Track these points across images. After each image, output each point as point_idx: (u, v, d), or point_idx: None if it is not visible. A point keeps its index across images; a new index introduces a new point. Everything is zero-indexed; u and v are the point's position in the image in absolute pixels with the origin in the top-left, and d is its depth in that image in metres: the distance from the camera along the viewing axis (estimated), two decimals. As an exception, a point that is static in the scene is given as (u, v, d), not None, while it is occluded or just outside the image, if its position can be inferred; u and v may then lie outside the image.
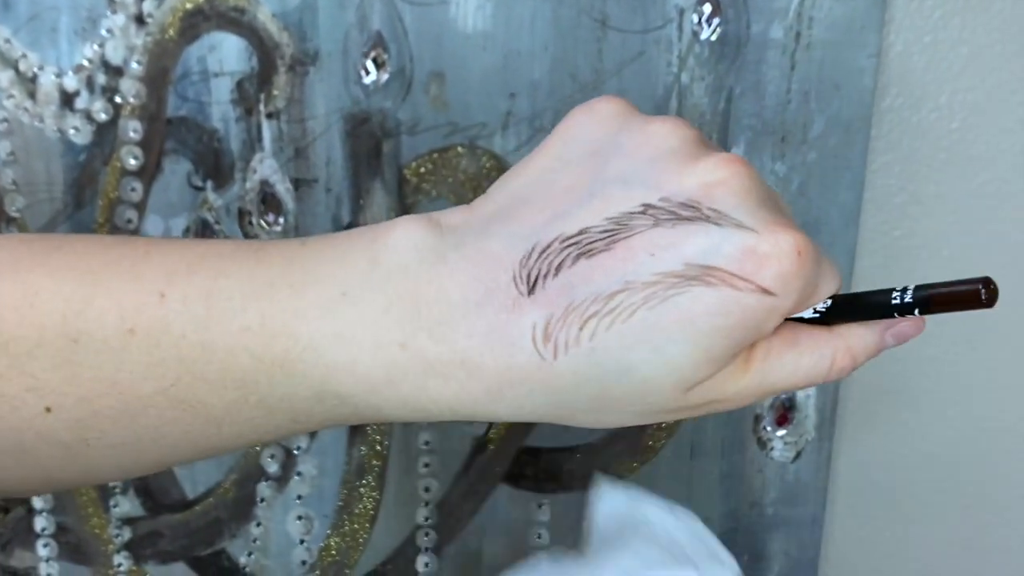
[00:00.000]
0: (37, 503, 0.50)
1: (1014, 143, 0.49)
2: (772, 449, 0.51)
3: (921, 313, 0.26)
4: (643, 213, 0.25)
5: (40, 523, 0.51)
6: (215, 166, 0.47)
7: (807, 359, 0.27)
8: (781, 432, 0.51)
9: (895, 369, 0.52)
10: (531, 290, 0.25)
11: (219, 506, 0.51)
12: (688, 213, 0.25)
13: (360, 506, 0.52)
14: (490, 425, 0.50)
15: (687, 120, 0.28)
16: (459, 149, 0.47)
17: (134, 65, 0.45)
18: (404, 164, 0.47)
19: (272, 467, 0.51)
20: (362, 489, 0.51)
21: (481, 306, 0.26)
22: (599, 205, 0.26)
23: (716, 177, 0.25)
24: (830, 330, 0.27)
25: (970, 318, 0.51)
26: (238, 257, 0.27)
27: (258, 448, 0.50)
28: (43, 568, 0.52)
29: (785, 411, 0.50)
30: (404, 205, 0.48)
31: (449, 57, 0.46)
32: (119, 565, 0.52)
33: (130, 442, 0.28)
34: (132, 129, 0.46)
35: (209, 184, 0.47)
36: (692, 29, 0.45)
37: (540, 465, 0.51)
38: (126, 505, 0.51)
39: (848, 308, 0.27)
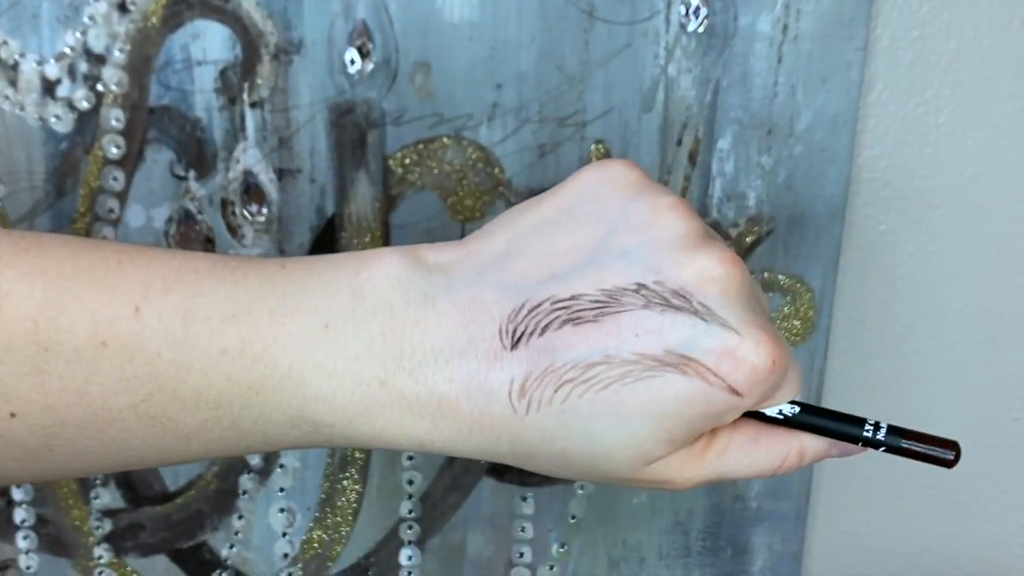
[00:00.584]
0: (17, 495, 0.51)
1: (1001, 138, 0.50)
2: None
3: (885, 452, 0.29)
4: (636, 292, 0.27)
5: (20, 515, 0.51)
6: (198, 155, 0.47)
7: (760, 457, 0.29)
8: (766, 426, 0.52)
9: (880, 364, 0.53)
10: (515, 345, 0.27)
11: (201, 498, 0.52)
12: (678, 302, 0.27)
13: (343, 499, 0.52)
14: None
15: (693, 208, 0.29)
16: (445, 140, 0.47)
17: (116, 53, 0.46)
18: (389, 155, 0.48)
19: (254, 459, 0.51)
20: (345, 482, 0.52)
21: (464, 354, 0.27)
22: (595, 275, 0.27)
23: (712, 274, 0.27)
24: (789, 432, 0.30)
25: (961, 313, 0.52)
26: (215, 275, 0.28)
27: None
28: (23, 560, 0.52)
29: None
30: (389, 196, 0.48)
31: (435, 47, 0.46)
32: (99, 557, 0.52)
33: (95, 450, 0.28)
34: (114, 118, 0.46)
35: (192, 173, 0.48)
36: (679, 21, 0.46)
37: None
38: (107, 497, 0.51)
39: (813, 423, 0.29)
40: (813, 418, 0.29)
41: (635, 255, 0.27)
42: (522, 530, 0.53)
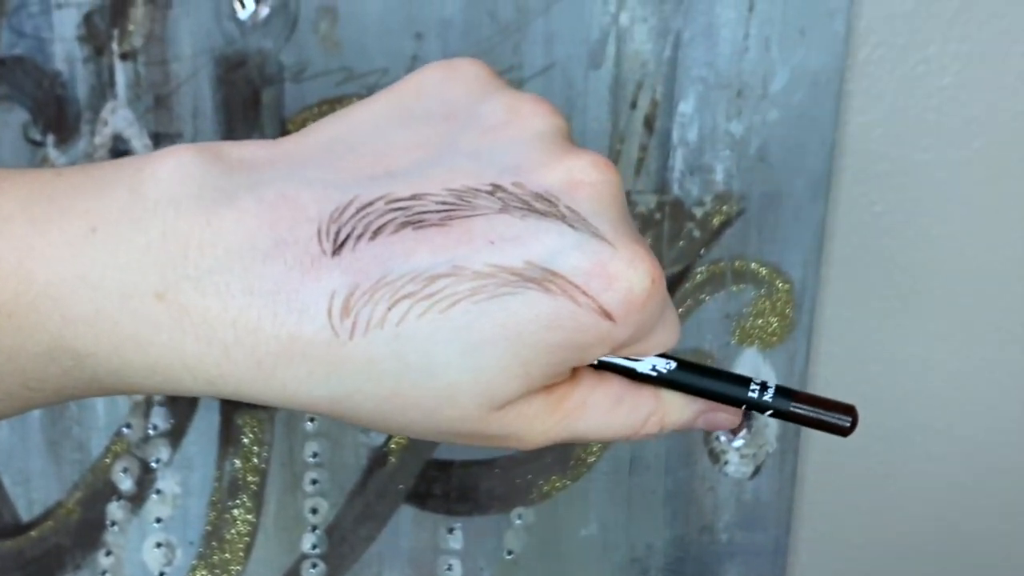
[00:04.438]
0: None
1: (1017, 103, 0.51)
2: (727, 463, 0.53)
3: (772, 417, 0.30)
4: (490, 194, 0.27)
5: None
6: (57, 117, 0.48)
7: (619, 418, 0.30)
8: (737, 442, 0.53)
9: (874, 371, 0.54)
10: (337, 250, 0.26)
11: (60, 531, 0.52)
12: (542, 206, 0.27)
13: (232, 531, 0.53)
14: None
15: (557, 108, 0.29)
16: (355, 100, 0.48)
17: None
18: (288, 118, 0.48)
19: (125, 483, 0.52)
20: (235, 511, 0.53)
21: (270, 259, 0.26)
22: (441, 174, 0.27)
23: (584, 177, 0.27)
24: (655, 394, 0.30)
25: (972, 310, 0.53)
26: None
27: (108, 460, 0.52)
28: None
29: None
30: (287, 167, 0.49)
31: (343, -11, 0.47)
32: (-64, 602, 0.53)
33: None
34: None
35: (50, 138, 0.48)
36: (634, -39, 0.47)
37: (451, 482, 0.53)
38: (-55, 528, 0.52)
39: (691, 380, 0.30)
40: (691, 376, 0.30)
41: (489, 155, 0.28)
42: (448, 568, 0.54)
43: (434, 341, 0.26)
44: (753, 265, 0.51)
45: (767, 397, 0.30)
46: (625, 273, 0.27)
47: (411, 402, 0.27)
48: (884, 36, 0.50)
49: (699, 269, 0.51)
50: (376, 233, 0.26)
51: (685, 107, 0.49)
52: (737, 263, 0.51)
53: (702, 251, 0.51)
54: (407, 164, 0.28)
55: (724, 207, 0.50)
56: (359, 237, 0.26)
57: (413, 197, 0.27)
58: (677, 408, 0.30)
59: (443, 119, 0.29)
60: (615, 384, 0.30)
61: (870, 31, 0.50)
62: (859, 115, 0.51)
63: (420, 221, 0.26)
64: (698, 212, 0.50)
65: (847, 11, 0.48)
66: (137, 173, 0.27)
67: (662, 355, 0.29)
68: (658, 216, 0.50)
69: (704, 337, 0.52)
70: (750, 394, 0.30)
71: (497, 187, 0.27)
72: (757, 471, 0.54)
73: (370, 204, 0.26)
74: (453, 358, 0.27)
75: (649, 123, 0.49)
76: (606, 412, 0.30)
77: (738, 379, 0.30)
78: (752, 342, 0.52)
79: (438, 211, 0.27)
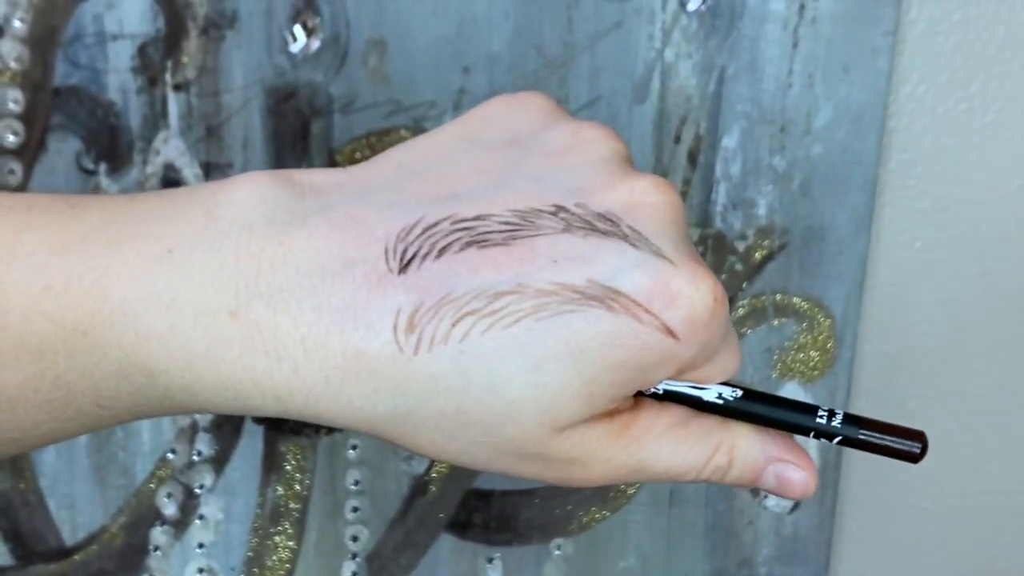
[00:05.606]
0: None
1: (1058, 141, 0.51)
2: (766, 497, 0.54)
3: (840, 444, 0.30)
4: (553, 215, 0.28)
5: None
6: (110, 145, 0.49)
7: (687, 446, 0.30)
8: (777, 477, 0.53)
9: (914, 406, 0.54)
10: (403, 268, 0.27)
11: (103, 555, 0.53)
12: (604, 226, 0.28)
13: (274, 558, 0.54)
14: (431, 463, 0.53)
15: (618, 134, 0.31)
16: (402, 132, 0.49)
17: (16, 23, 0.47)
18: (337, 148, 0.49)
19: (169, 508, 0.53)
20: (277, 538, 0.53)
21: (339, 277, 0.27)
22: (505, 196, 0.28)
23: (645, 198, 0.28)
24: (723, 423, 0.30)
25: (1012, 347, 0.54)
26: (52, 209, 0.28)
27: (152, 485, 0.53)
28: None
29: (782, 451, 0.53)
30: (335, 197, 0.50)
31: (392, 23, 0.48)
32: (-20, 624, 0.53)
33: None
34: (12, 99, 0.48)
35: (103, 167, 0.49)
36: (679, -2, 0.48)
37: (491, 511, 0.54)
38: (-9, 551, 0.53)
39: (759, 408, 0.30)
40: (758, 404, 0.30)
41: (552, 178, 0.29)
42: (487, 598, 0.54)
43: (497, 357, 0.27)
44: (795, 299, 0.51)
45: (835, 424, 0.30)
46: (687, 291, 0.27)
47: (474, 419, 0.28)
48: (926, 73, 0.51)
49: (741, 303, 0.52)
50: (441, 252, 0.27)
51: (728, 142, 0.50)
52: (779, 297, 0.52)
53: (744, 285, 0.52)
54: (472, 186, 0.29)
55: (766, 241, 0.51)
56: (425, 256, 0.27)
57: (477, 218, 0.28)
58: (746, 438, 0.31)
59: (507, 145, 0.30)
60: (680, 412, 0.30)
61: (913, 68, 0.51)
62: (901, 152, 0.51)
63: (484, 240, 0.27)
64: (740, 246, 0.51)
65: (890, 48, 0.49)
66: (212, 197, 0.28)
67: (726, 383, 0.30)
68: (701, 249, 0.51)
69: (745, 371, 0.52)
70: (818, 421, 0.30)
71: (560, 208, 0.28)
72: (797, 505, 0.54)
73: (436, 224, 0.28)
74: (516, 374, 0.27)
75: (693, 157, 0.50)
76: (673, 440, 0.30)
77: (805, 407, 0.30)
78: (793, 376, 0.52)
79: (502, 231, 0.28)
